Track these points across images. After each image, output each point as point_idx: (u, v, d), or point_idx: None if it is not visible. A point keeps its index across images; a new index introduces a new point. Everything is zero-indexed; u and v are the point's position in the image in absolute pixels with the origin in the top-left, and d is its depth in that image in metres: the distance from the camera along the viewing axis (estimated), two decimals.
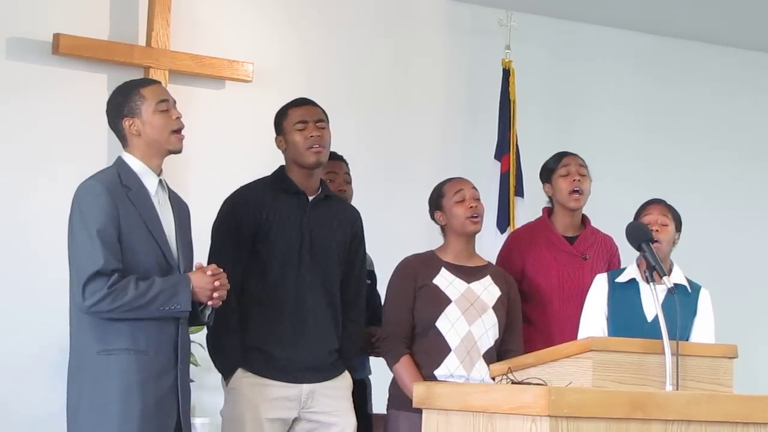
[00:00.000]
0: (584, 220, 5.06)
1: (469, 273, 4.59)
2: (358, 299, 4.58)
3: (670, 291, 4.19)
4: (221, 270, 3.96)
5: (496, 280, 4.63)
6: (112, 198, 3.86)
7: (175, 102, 4.05)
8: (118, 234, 3.84)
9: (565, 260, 4.93)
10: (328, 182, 4.82)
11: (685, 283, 4.77)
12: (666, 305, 4.63)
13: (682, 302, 4.73)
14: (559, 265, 4.91)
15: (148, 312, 3.84)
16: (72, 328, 3.94)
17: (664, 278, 4.17)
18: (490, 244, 6.10)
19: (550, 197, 5.04)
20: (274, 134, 4.59)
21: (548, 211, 5.05)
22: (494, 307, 4.57)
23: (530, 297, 4.90)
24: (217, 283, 3.92)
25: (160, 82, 4.12)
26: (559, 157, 5.04)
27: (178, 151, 4.04)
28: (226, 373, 4.35)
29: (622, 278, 4.69)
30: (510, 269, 4.87)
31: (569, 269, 4.91)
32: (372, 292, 4.98)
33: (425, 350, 4.50)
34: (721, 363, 4.09)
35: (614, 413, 3.57)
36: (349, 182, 5.02)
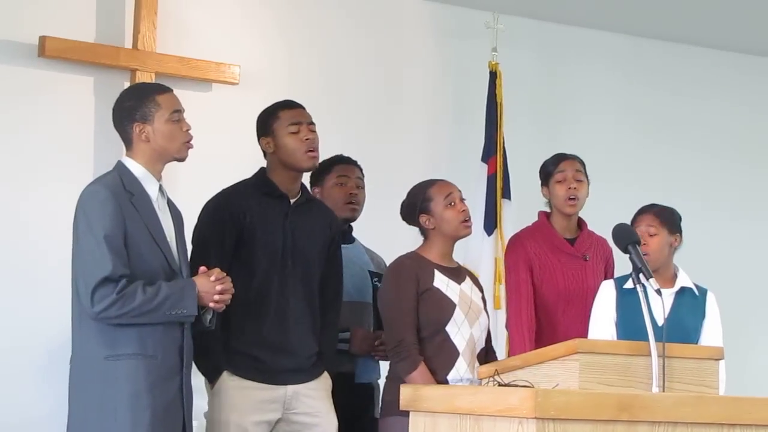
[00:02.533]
0: (580, 222, 5.09)
1: (455, 274, 4.59)
2: (336, 301, 4.60)
3: (657, 292, 4.19)
4: (225, 274, 3.97)
5: (474, 282, 4.66)
6: (118, 203, 3.86)
7: (184, 111, 4.06)
8: (124, 239, 3.84)
9: (567, 262, 4.96)
10: (339, 186, 4.85)
11: (692, 286, 4.81)
12: (675, 308, 4.66)
13: (690, 305, 4.77)
14: (564, 267, 4.95)
15: (156, 317, 3.84)
16: (75, 334, 3.93)
17: (651, 281, 4.18)
18: (477, 246, 6.12)
19: (548, 200, 5.06)
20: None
21: (546, 215, 5.06)
22: (485, 308, 4.60)
23: (536, 300, 4.91)
24: (219, 287, 3.93)
25: (172, 90, 4.10)
26: (557, 161, 5.05)
27: (183, 160, 4.07)
28: (211, 376, 4.34)
29: (629, 284, 4.66)
30: (524, 271, 4.88)
31: (573, 271, 4.95)
32: None
33: (435, 355, 4.44)
34: (707, 365, 4.10)
35: (601, 415, 3.57)
36: (361, 187, 5.02)
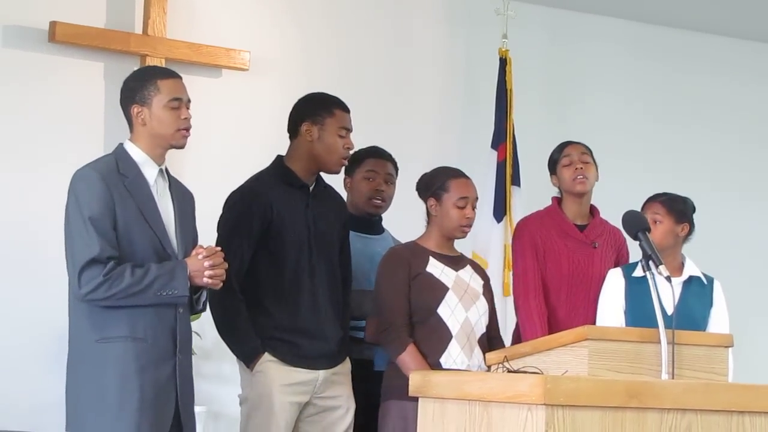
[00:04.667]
0: (593, 210, 5.08)
1: (453, 261, 4.62)
2: (347, 285, 4.68)
3: (667, 280, 4.19)
4: (216, 250, 3.95)
5: (476, 269, 4.68)
6: (107, 186, 3.85)
7: (189, 101, 4.03)
8: (113, 222, 3.83)
9: (575, 248, 4.94)
10: (367, 180, 4.91)
11: (700, 275, 4.80)
12: (683, 297, 4.66)
13: (698, 294, 4.77)
14: (570, 252, 4.92)
15: (145, 298, 3.83)
16: (70, 317, 3.94)
17: (660, 268, 4.17)
18: (486, 232, 6.12)
19: (559, 188, 5.05)
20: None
21: (558, 200, 5.06)
22: (483, 294, 4.61)
23: (541, 284, 4.91)
24: (208, 263, 3.90)
25: (180, 77, 4.06)
26: (561, 147, 5.05)
27: (181, 147, 4.04)
28: (250, 358, 4.40)
29: (638, 272, 4.65)
30: (531, 257, 4.88)
31: (580, 257, 4.93)
32: None
33: (427, 338, 4.49)
34: (716, 352, 4.10)
35: (610, 402, 3.57)
36: (390, 182, 5.02)
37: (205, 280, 3.91)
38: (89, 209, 3.82)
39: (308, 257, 4.46)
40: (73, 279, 3.83)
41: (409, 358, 4.44)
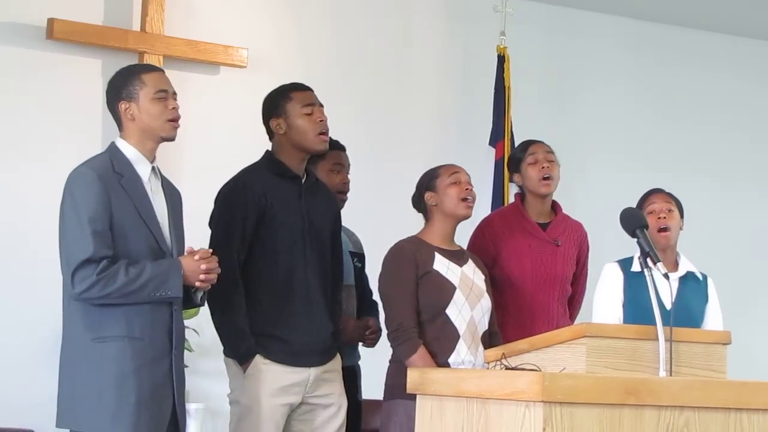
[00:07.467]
0: (555, 206, 5.06)
1: (457, 257, 4.59)
2: (340, 280, 4.63)
3: (665, 277, 4.19)
4: (210, 253, 3.96)
5: (477, 264, 4.65)
6: (104, 184, 3.84)
7: (175, 94, 4.03)
8: (110, 221, 3.83)
9: (538, 247, 4.91)
10: (335, 173, 4.85)
11: (695, 270, 4.81)
12: (680, 293, 4.67)
13: (694, 289, 4.78)
14: (533, 251, 4.90)
15: (139, 297, 3.83)
16: (65, 316, 3.94)
17: (659, 265, 4.17)
18: None
19: (520, 186, 5.04)
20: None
21: (521, 198, 5.04)
22: (486, 291, 4.59)
23: (504, 283, 4.88)
24: (204, 266, 3.91)
25: (163, 71, 4.08)
26: (525, 145, 5.03)
27: (171, 139, 4.03)
28: (243, 359, 4.32)
29: (635, 267, 4.68)
30: (483, 255, 4.85)
31: (543, 256, 4.90)
32: (361, 275, 4.97)
33: (436, 338, 4.46)
34: (714, 349, 4.09)
35: (608, 399, 3.57)
36: (349, 173, 5.00)
37: (198, 284, 3.93)
38: (86, 208, 3.81)
39: (302, 249, 4.39)
40: (67, 278, 3.83)
41: (419, 359, 4.40)
